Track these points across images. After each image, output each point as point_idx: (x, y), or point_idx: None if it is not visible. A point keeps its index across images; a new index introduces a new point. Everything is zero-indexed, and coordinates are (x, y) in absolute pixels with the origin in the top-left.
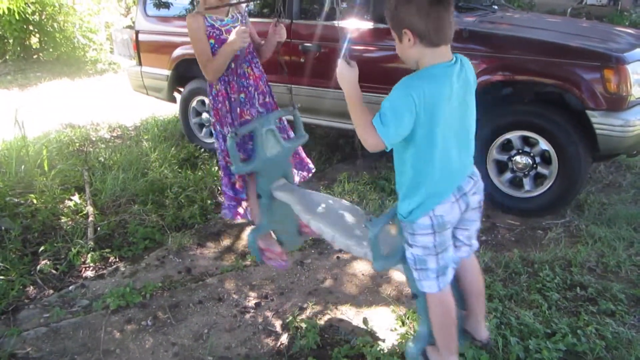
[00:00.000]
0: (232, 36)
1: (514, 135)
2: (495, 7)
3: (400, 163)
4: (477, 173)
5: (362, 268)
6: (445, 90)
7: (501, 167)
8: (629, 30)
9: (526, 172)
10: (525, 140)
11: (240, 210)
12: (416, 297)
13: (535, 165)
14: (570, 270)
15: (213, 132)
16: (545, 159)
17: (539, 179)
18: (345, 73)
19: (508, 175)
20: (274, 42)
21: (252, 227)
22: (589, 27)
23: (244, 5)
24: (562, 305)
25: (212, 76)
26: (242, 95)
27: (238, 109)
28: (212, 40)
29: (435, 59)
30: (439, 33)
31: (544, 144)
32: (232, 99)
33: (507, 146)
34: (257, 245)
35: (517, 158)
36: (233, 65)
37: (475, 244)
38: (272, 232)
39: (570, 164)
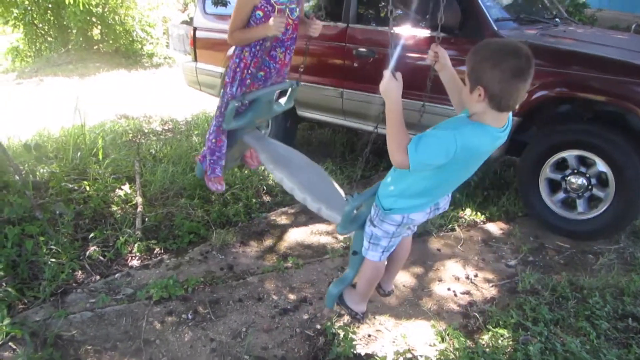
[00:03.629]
0: (269, 22)
1: (569, 154)
2: (558, 20)
3: (406, 171)
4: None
5: (403, 279)
6: (484, 150)
7: (554, 186)
8: None
9: (580, 193)
10: (582, 160)
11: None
12: (355, 254)
13: (590, 187)
14: (622, 299)
15: (222, 90)
16: (602, 181)
17: (593, 201)
18: (392, 86)
19: (561, 195)
20: (305, 32)
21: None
22: None
23: None
24: (611, 336)
25: (233, 42)
26: (262, 73)
27: (248, 81)
28: (260, 13)
29: (493, 121)
30: (510, 102)
31: (601, 165)
32: (250, 72)
33: (561, 165)
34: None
35: (572, 178)
36: (269, 44)
37: (416, 228)
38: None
39: (628, 187)
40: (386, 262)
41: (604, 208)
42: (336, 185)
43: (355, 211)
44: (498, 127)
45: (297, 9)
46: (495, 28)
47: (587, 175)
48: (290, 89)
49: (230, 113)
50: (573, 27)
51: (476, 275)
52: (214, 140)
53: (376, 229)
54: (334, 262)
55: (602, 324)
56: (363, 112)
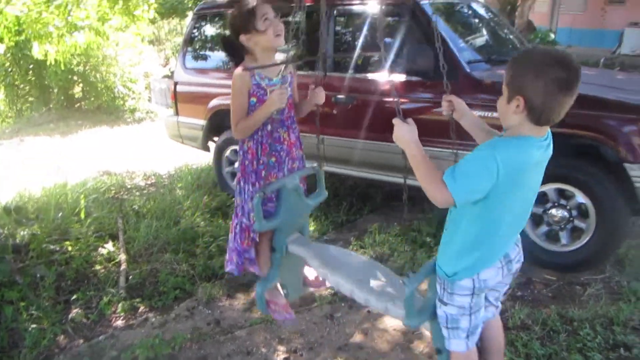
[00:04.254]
0: (270, 96)
1: (549, 188)
2: None
3: (458, 218)
4: (519, 239)
5: (393, 323)
6: (532, 162)
7: (536, 219)
8: None
9: (562, 226)
10: (561, 193)
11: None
12: (440, 352)
13: (572, 219)
14: (612, 329)
15: (236, 186)
16: (582, 212)
17: (576, 232)
18: (403, 131)
19: (544, 228)
20: (312, 104)
21: (261, 279)
22: (624, 79)
23: (292, 66)
24: None
25: (241, 134)
26: (273, 159)
27: (264, 172)
28: (254, 99)
29: (532, 132)
30: (551, 116)
31: (580, 197)
32: (261, 162)
33: (542, 199)
34: (264, 297)
35: (553, 211)
36: (269, 127)
37: (500, 304)
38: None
39: (608, 217)
40: (478, 355)
41: (587, 239)
42: (400, 278)
43: (418, 296)
44: (539, 136)
45: (290, 88)
46: (468, 70)
47: (568, 207)
48: (316, 176)
49: (257, 209)
50: None
51: None
52: (240, 241)
53: (449, 307)
54: (322, 310)
55: (595, 356)
56: (344, 158)
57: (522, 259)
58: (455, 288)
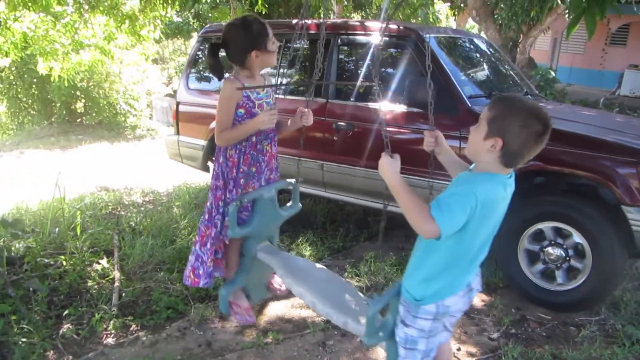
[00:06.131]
0: (260, 117)
1: (546, 226)
2: (529, 97)
3: (430, 247)
4: (479, 270)
5: (384, 355)
6: (500, 198)
7: (533, 257)
8: None
9: (559, 264)
10: (558, 232)
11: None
12: None
13: (568, 258)
14: None
15: (210, 192)
16: (579, 252)
17: (572, 272)
18: (387, 165)
19: (540, 266)
20: (299, 125)
21: (227, 282)
22: (623, 122)
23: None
24: None
25: (223, 143)
26: (253, 169)
27: (242, 181)
28: (242, 110)
29: (500, 171)
30: (519, 162)
31: (577, 237)
32: (241, 170)
33: (539, 236)
34: (228, 299)
35: (549, 249)
36: (254, 139)
37: (452, 330)
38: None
39: (604, 258)
40: None
41: (583, 279)
42: (363, 298)
43: (380, 317)
44: (505, 173)
45: (272, 102)
46: (469, 104)
47: (564, 246)
48: (293, 189)
49: (233, 217)
50: (544, 103)
51: (459, 349)
52: (199, 247)
53: (410, 328)
54: (315, 337)
55: None
56: (343, 184)
57: (480, 289)
58: (419, 312)
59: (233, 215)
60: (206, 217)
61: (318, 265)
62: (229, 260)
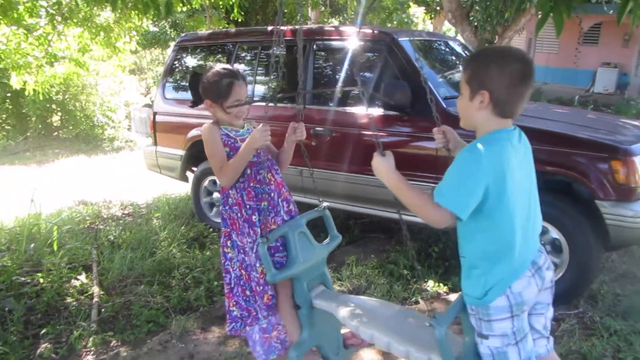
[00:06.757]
0: (253, 134)
1: None
2: None
3: (467, 237)
4: (542, 247)
5: (369, 357)
6: (511, 154)
7: None
8: (636, 123)
9: None
10: None
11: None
12: None
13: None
14: None
15: (224, 245)
16: (556, 247)
17: None
18: (380, 164)
19: None
20: (294, 142)
21: (293, 344)
22: (596, 119)
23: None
24: None
25: (228, 180)
26: (265, 203)
27: (254, 217)
28: (227, 149)
29: (500, 125)
30: (514, 108)
31: (554, 233)
32: (248, 206)
33: None
34: None
35: None
36: (249, 171)
37: (551, 337)
38: (316, 348)
39: (581, 253)
40: None
41: (561, 274)
42: (426, 319)
43: (457, 338)
44: (507, 128)
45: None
46: (445, 106)
47: (542, 242)
48: (324, 218)
49: (265, 258)
50: None
51: None
52: (240, 293)
53: (491, 339)
54: None
55: None
56: (323, 189)
57: (552, 267)
58: (491, 312)
59: (265, 256)
60: (226, 269)
61: (381, 300)
62: (287, 320)
